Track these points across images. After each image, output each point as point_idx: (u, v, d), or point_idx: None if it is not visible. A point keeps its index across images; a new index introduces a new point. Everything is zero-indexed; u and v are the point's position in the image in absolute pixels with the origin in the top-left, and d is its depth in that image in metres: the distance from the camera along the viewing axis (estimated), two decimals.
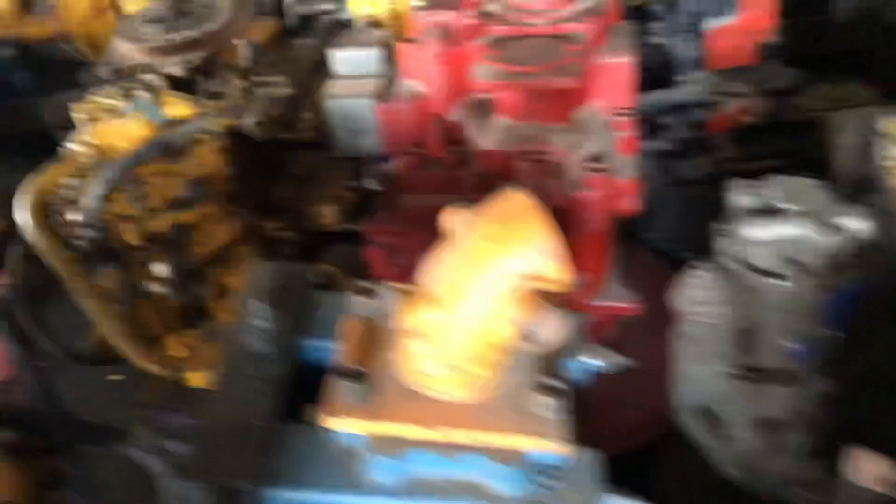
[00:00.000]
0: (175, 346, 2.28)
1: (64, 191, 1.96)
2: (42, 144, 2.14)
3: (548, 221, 1.09)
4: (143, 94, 2.03)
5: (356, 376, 1.13)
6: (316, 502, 1.13)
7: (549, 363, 1.17)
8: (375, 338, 1.22)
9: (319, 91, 2.29)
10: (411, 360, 1.15)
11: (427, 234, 2.24)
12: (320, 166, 3.03)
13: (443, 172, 2.13)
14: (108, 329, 1.98)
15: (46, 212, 1.92)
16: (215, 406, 1.16)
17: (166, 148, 1.94)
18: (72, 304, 2.02)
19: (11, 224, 1.89)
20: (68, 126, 2.06)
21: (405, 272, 2.31)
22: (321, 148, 2.42)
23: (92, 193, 1.83)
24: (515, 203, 1.11)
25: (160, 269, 2.09)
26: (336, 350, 1.20)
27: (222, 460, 1.08)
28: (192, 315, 2.19)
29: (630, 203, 2.05)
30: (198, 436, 1.12)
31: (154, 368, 2.06)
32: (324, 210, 2.80)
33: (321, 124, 2.31)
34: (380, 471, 1.14)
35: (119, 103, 2.02)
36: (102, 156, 1.92)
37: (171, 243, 2.08)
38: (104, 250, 2.02)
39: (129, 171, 1.88)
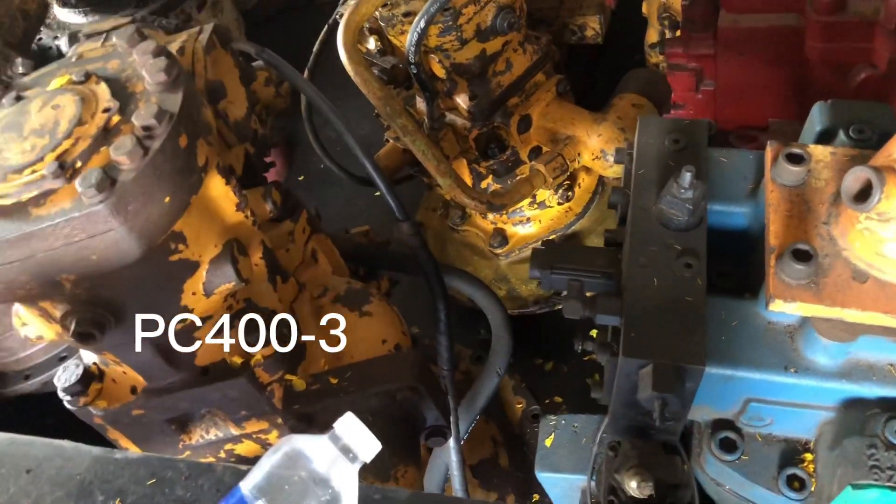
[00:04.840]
0: (468, 175, 2.29)
1: (378, 20, 1.91)
2: None
3: None
4: None
5: (803, 256, 1.05)
6: (752, 381, 1.10)
7: None
8: (807, 211, 1.12)
9: None
10: (867, 241, 1.05)
11: (751, 61, 2.03)
12: None
13: None
14: (419, 152, 1.98)
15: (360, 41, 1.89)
16: (636, 279, 1.13)
17: None
18: None
19: None
20: None
21: (713, 101, 2.15)
22: None
23: (414, 27, 1.76)
24: None
25: (462, 99, 2.05)
26: (767, 224, 1.12)
27: (663, 338, 1.07)
28: (492, 146, 2.16)
29: None
30: (632, 311, 1.09)
31: (461, 196, 2.08)
32: (589, 21, 2.61)
33: None
34: (819, 352, 1.09)
35: None
36: None
37: (474, 74, 2.01)
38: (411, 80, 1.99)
39: (446, 2, 1.78)
